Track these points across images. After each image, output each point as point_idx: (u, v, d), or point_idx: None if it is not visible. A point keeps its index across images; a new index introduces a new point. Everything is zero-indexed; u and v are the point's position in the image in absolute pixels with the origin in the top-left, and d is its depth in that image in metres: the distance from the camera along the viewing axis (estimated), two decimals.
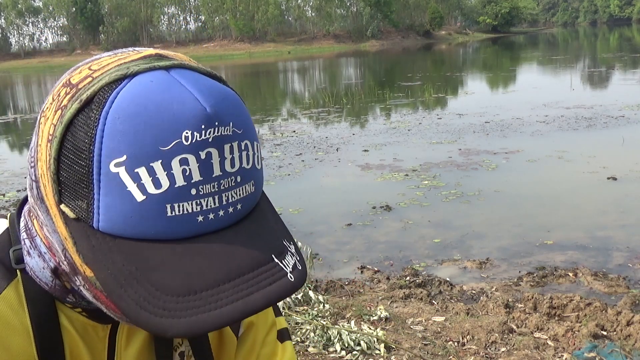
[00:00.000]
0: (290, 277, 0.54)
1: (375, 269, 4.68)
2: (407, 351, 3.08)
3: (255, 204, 0.57)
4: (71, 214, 0.53)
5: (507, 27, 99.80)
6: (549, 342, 3.21)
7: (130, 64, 0.53)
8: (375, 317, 3.51)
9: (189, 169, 0.49)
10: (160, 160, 0.49)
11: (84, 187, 0.51)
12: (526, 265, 4.61)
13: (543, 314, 3.59)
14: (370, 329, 3.30)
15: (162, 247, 0.51)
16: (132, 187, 0.49)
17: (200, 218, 0.51)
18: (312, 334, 3.21)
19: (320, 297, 3.75)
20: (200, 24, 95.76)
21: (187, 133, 0.49)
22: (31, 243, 0.62)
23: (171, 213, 0.50)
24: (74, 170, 0.51)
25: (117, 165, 0.49)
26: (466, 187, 6.91)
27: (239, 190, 0.53)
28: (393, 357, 3.04)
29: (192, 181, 0.50)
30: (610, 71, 21.65)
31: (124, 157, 0.49)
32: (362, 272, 4.64)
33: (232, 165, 0.52)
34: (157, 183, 0.49)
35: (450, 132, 10.49)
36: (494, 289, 4.14)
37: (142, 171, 0.49)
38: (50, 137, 0.53)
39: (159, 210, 0.50)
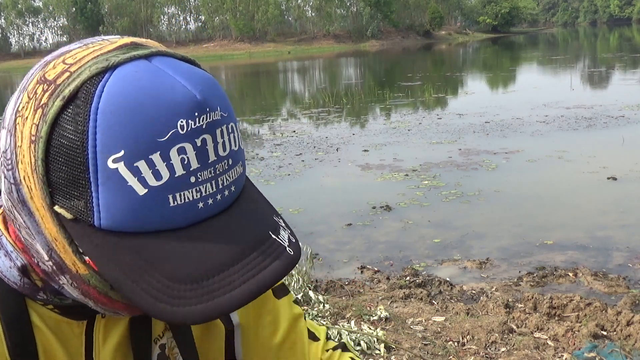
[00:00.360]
0: (290, 250, 0.55)
1: (375, 269, 4.68)
2: (407, 351, 3.08)
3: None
4: (68, 215, 0.51)
5: (507, 27, 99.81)
6: (549, 342, 3.21)
7: (108, 55, 0.52)
8: (375, 317, 3.51)
9: (187, 158, 0.49)
10: (159, 152, 0.48)
11: (80, 187, 0.50)
12: (526, 265, 4.61)
13: (543, 314, 3.59)
14: (370, 329, 3.30)
15: (168, 237, 0.51)
16: (132, 181, 0.48)
17: (200, 204, 0.51)
18: None
19: (320, 297, 3.75)
20: (200, 24, 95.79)
21: (182, 122, 0.49)
22: None
23: (173, 203, 0.50)
24: (66, 170, 0.50)
25: (115, 160, 0.48)
26: (466, 187, 6.91)
27: (232, 173, 0.54)
28: (393, 357, 3.04)
29: (191, 169, 0.50)
30: (610, 71, 21.65)
31: (122, 152, 0.48)
32: (362, 272, 4.64)
33: (224, 149, 0.53)
34: (157, 175, 0.49)
35: (450, 132, 10.49)
36: (494, 289, 4.14)
37: (141, 164, 0.48)
38: (33, 138, 0.51)
39: (162, 201, 0.49)
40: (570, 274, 4.32)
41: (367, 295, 4.03)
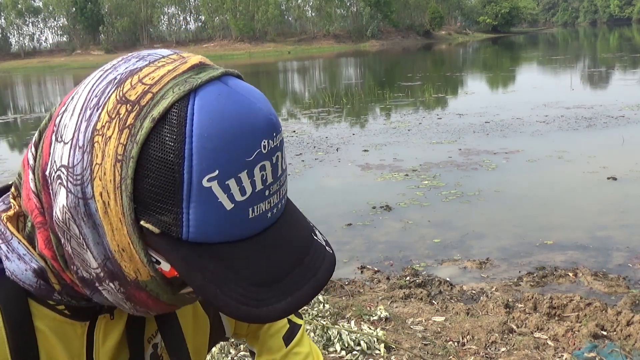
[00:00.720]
0: (329, 250, 0.64)
1: (375, 269, 4.68)
2: (407, 351, 3.08)
3: None
4: (156, 230, 0.54)
5: (507, 27, 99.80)
6: (549, 342, 3.21)
7: (186, 77, 0.55)
8: (375, 317, 3.51)
9: (266, 174, 0.55)
10: (246, 170, 0.53)
11: (170, 203, 0.53)
12: (526, 265, 4.62)
13: (543, 314, 3.59)
14: (370, 329, 3.30)
15: (245, 245, 0.56)
16: (222, 198, 0.53)
17: (269, 214, 0.57)
18: (312, 334, 3.21)
19: (320, 297, 3.75)
20: (200, 24, 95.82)
21: (264, 142, 0.55)
22: (8, 247, 0.62)
23: (252, 215, 0.55)
24: (158, 188, 0.53)
25: (210, 180, 0.52)
26: (466, 187, 6.91)
27: (286, 183, 0.60)
28: (393, 357, 3.05)
29: (267, 184, 0.56)
30: (610, 71, 21.66)
31: (216, 172, 0.52)
32: (362, 272, 4.64)
33: (285, 162, 0.59)
34: (242, 191, 0.54)
35: (450, 132, 10.49)
36: (494, 289, 4.14)
37: (231, 182, 0.53)
38: (120, 157, 0.53)
39: (244, 213, 0.54)
40: (570, 274, 4.32)
41: (367, 295, 4.04)
